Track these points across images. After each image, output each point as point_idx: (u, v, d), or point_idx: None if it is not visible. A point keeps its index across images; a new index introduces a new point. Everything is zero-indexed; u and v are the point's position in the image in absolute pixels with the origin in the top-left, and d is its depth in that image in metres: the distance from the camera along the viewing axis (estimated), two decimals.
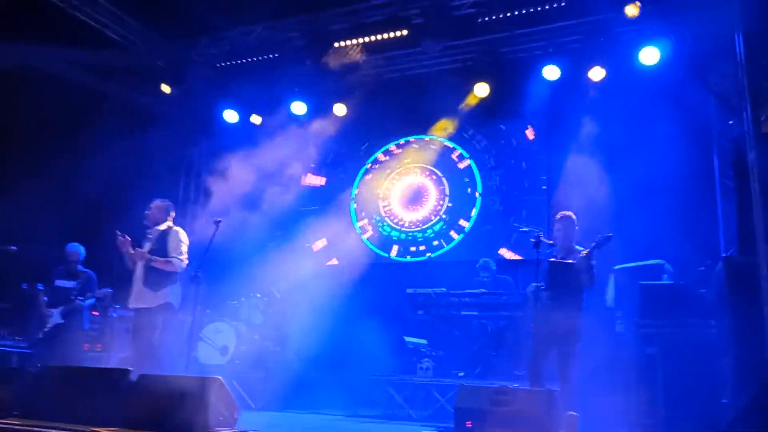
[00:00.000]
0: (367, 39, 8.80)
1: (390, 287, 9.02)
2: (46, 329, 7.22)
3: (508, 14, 8.26)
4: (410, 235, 9.95)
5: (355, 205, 10.41)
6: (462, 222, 9.66)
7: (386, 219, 10.16)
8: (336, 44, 8.89)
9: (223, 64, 9.81)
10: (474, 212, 9.63)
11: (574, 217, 6.07)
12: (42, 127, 8.49)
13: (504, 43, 8.70)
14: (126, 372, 4.96)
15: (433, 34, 8.37)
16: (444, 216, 9.84)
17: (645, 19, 7.50)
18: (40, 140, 8.48)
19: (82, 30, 8.53)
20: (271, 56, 9.49)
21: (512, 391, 4.73)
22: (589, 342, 5.99)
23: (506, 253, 9.10)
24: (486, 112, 9.39)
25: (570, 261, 5.85)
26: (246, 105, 9.95)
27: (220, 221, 6.30)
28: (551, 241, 6.22)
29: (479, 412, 4.68)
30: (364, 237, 10.15)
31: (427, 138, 10.22)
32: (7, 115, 8.40)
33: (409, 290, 8.33)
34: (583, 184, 7.85)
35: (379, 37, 8.75)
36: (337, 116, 9.65)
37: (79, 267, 7.55)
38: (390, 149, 10.51)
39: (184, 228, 6.43)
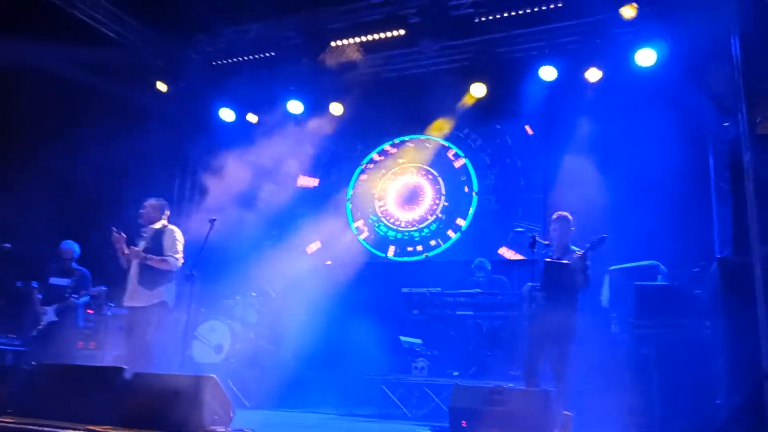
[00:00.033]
0: (364, 38, 8.80)
1: (386, 287, 9.02)
2: (40, 327, 7.20)
3: (506, 14, 8.28)
4: (407, 235, 9.95)
5: (351, 206, 10.41)
6: (459, 221, 9.68)
7: (382, 219, 10.17)
8: (333, 43, 8.89)
9: (219, 62, 9.80)
10: (471, 211, 9.64)
11: (570, 217, 6.08)
12: (37, 125, 8.45)
13: (501, 43, 8.71)
14: (121, 370, 4.94)
15: (430, 34, 8.38)
16: (440, 215, 9.85)
17: (641, 21, 7.52)
18: (36, 138, 8.44)
19: (79, 28, 8.52)
20: (267, 55, 9.48)
21: (507, 391, 4.72)
22: (584, 342, 6.00)
23: (506, 253, 9.10)
24: (482, 111, 9.41)
25: (565, 261, 5.86)
26: (242, 103, 9.94)
27: (215, 220, 6.29)
28: (547, 242, 6.23)
29: (474, 412, 4.67)
30: (361, 237, 10.16)
31: (422, 137, 10.23)
32: (2, 113, 8.36)
33: (405, 290, 8.34)
34: (579, 185, 7.87)
35: (376, 36, 8.76)
36: (333, 115, 9.66)
37: (74, 265, 7.54)
38: (385, 149, 10.52)
39: (179, 226, 6.41)
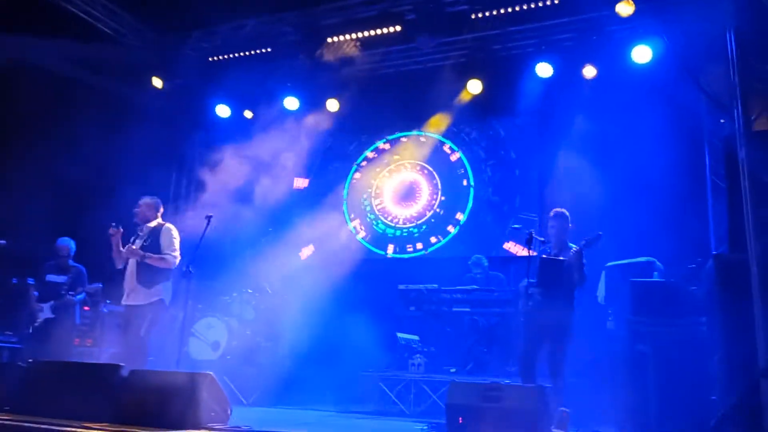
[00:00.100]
0: (360, 34, 8.79)
1: (383, 283, 9.03)
2: (36, 324, 7.18)
3: (501, 11, 8.27)
4: (405, 232, 9.96)
5: (347, 205, 10.40)
6: (458, 215, 9.69)
7: (380, 217, 10.17)
8: (329, 39, 8.88)
9: (215, 58, 9.75)
10: (468, 204, 9.66)
11: (567, 214, 6.09)
12: (33, 121, 8.43)
13: (497, 39, 8.70)
14: (117, 367, 4.94)
15: (426, 31, 8.37)
16: (438, 210, 9.86)
17: (637, 18, 7.52)
18: (31, 134, 8.42)
19: (74, 24, 8.48)
20: (263, 51, 9.45)
21: (504, 388, 4.73)
22: (581, 339, 6.02)
23: (513, 248, 9.09)
24: (477, 107, 9.41)
25: (561, 258, 5.87)
26: (238, 100, 9.91)
27: (211, 216, 6.29)
28: (542, 239, 6.23)
29: (471, 408, 4.68)
30: (359, 237, 10.15)
31: (417, 134, 10.23)
32: None
33: (401, 286, 8.35)
34: (574, 182, 7.89)
35: (372, 32, 8.75)
36: (329, 112, 9.63)
37: (70, 262, 7.51)
38: (380, 147, 10.51)
39: (175, 223, 6.41)
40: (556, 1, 7.89)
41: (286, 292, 8.79)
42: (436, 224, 9.81)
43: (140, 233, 6.24)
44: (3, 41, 7.46)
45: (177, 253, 6.10)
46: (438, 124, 9.89)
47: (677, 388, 5.63)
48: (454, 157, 9.97)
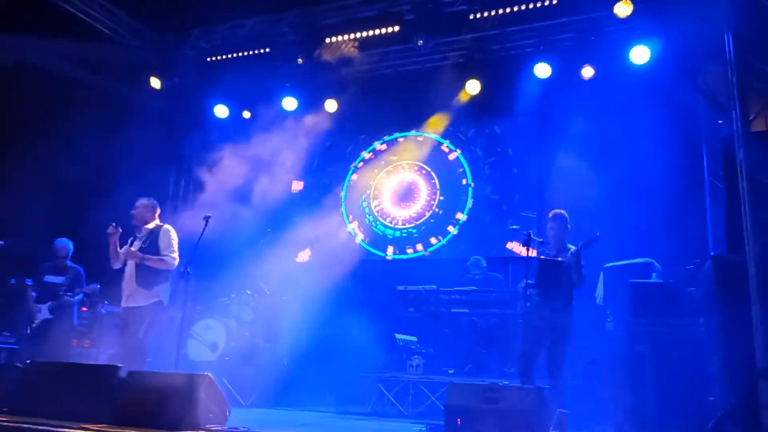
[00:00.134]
0: (359, 34, 8.80)
1: (381, 284, 9.02)
2: (34, 325, 7.17)
3: (500, 11, 8.28)
4: (404, 233, 9.95)
5: (346, 207, 10.40)
6: (458, 215, 9.69)
7: (379, 218, 10.16)
8: (328, 40, 8.88)
9: (214, 58, 9.75)
10: (468, 203, 9.66)
11: (566, 215, 6.09)
12: (31, 121, 8.42)
13: (495, 40, 8.70)
14: (115, 368, 4.94)
15: (425, 31, 8.37)
16: (437, 210, 9.86)
17: (636, 19, 7.53)
18: (30, 134, 8.41)
19: (73, 24, 8.49)
20: (262, 51, 9.45)
21: (502, 389, 4.73)
22: (579, 339, 6.02)
23: (516, 248, 9.07)
24: (475, 108, 9.40)
25: (560, 259, 5.87)
26: (237, 100, 9.90)
27: (209, 217, 6.28)
28: (541, 239, 6.24)
29: (469, 410, 4.68)
30: (358, 239, 10.14)
31: (414, 134, 10.23)
32: None
33: (400, 287, 8.34)
34: (573, 182, 7.89)
35: (371, 33, 8.76)
36: (327, 112, 9.62)
37: (68, 263, 7.50)
38: (377, 148, 10.51)
39: (173, 223, 6.41)
40: (555, 2, 7.90)
41: (285, 293, 8.79)
42: (435, 224, 9.80)
43: (138, 235, 6.23)
44: (3, 41, 7.45)
45: (176, 254, 6.10)
46: (436, 124, 9.89)
47: (676, 389, 5.64)
48: (452, 156, 9.97)
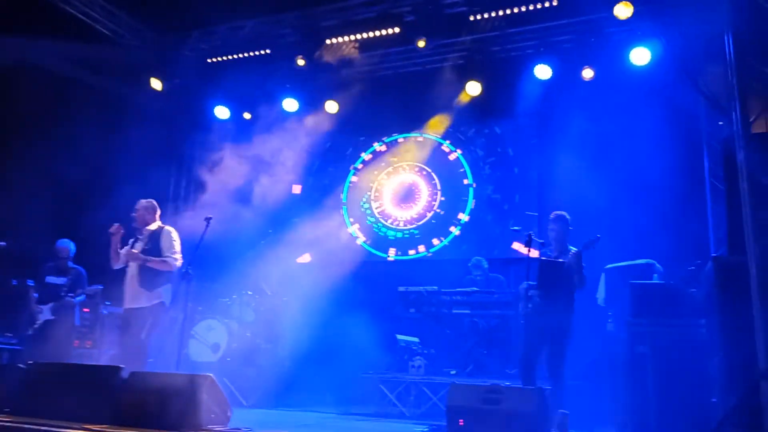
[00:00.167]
0: (359, 36, 8.81)
1: (383, 285, 9.02)
2: (36, 326, 7.17)
3: (500, 13, 8.29)
4: (406, 234, 9.96)
5: (347, 209, 10.40)
6: (460, 215, 9.70)
7: (381, 220, 10.16)
8: (328, 41, 8.89)
9: (214, 59, 9.76)
10: (469, 203, 9.66)
11: (568, 217, 6.10)
12: (32, 122, 8.43)
13: (495, 41, 8.71)
14: (117, 369, 4.94)
15: (425, 32, 8.39)
16: (439, 210, 9.86)
17: (636, 20, 7.54)
18: (31, 135, 8.42)
19: (73, 25, 8.50)
20: (262, 52, 9.46)
21: (504, 390, 4.74)
22: (581, 340, 6.03)
23: (521, 248, 9.03)
24: (476, 109, 9.42)
25: (561, 260, 5.88)
26: (237, 101, 9.92)
27: (210, 218, 6.29)
28: (542, 241, 6.25)
29: (471, 411, 4.69)
30: (359, 241, 10.14)
31: (414, 135, 10.24)
32: None
33: (401, 288, 8.34)
34: (574, 184, 7.89)
35: (371, 34, 8.77)
36: (328, 114, 9.63)
37: (70, 263, 7.50)
38: (377, 149, 10.52)
39: (174, 224, 6.42)
40: (555, 3, 7.91)
41: (286, 294, 8.79)
42: (437, 225, 9.81)
43: (140, 236, 6.24)
44: (3, 42, 7.45)
45: (178, 256, 6.11)
46: (437, 125, 9.90)
47: (677, 390, 5.64)
48: (452, 157, 9.99)
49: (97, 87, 9.02)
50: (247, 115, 9.99)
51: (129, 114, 9.16)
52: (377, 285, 9.11)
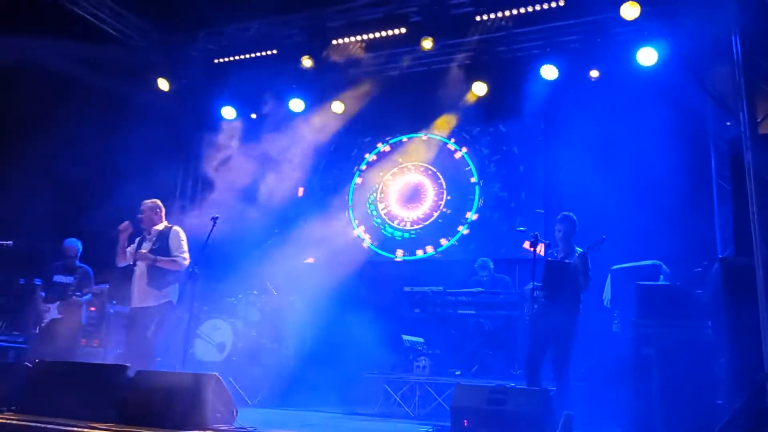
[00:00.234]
0: (365, 36, 8.82)
1: (388, 285, 9.01)
2: (42, 324, 7.21)
3: (506, 13, 8.29)
4: (413, 234, 9.95)
5: (353, 210, 10.40)
6: (467, 214, 9.68)
7: (387, 221, 10.16)
8: (334, 41, 8.90)
9: (221, 60, 9.79)
10: (475, 201, 9.65)
11: (574, 218, 6.09)
12: (40, 122, 8.49)
13: (502, 41, 8.71)
14: (123, 368, 4.96)
15: (431, 33, 8.38)
16: (445, 210, 9.85)
17: (642, 20, 7.52)
18: (38, 135, 8.46)
19: (80, 25, 8.55)
20: (269, 53, 9.48)
21: (509, 391, 4.73)
22: (586, 341, 6.01)
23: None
24: (482, 109, 9.41)
25: (567, 261, 5.87)
26: (244, 101, 9.94)
27: (217, 218, 6.31)
28: (547, 241, 6.24)
29: (476, 411, 4.68)
30: (366, 243, 10.13)
31: (420, 136, 10.24)
32: (4, 110, 8.38)
33: (407, 288, 8.34)
34: (580, 184, 7.88)
35: (377, 35, 8.77)
36: (334, 114, 9.64)
37: (77, 263, 7.54)
38: (382, 150, 10.51)
39: (181, 224, 6.46)
40: (561, 4, 7.89)
41: (292, 294, 8.80)
42: (444, 225, 9.80)
43: (147, 236, 6.26)
44: (8, 42, 7.50)
45: (186, 255, 6.15)
46: (443, 125, 9.90)
47: (683, 392, 5.61)
48: (457, 155, 9.98)
49: (104, 87, 9.05)
50: (253, 116, 10.01)
51: (136, 114, 9.20)
52: (383, 285, 9.10)
